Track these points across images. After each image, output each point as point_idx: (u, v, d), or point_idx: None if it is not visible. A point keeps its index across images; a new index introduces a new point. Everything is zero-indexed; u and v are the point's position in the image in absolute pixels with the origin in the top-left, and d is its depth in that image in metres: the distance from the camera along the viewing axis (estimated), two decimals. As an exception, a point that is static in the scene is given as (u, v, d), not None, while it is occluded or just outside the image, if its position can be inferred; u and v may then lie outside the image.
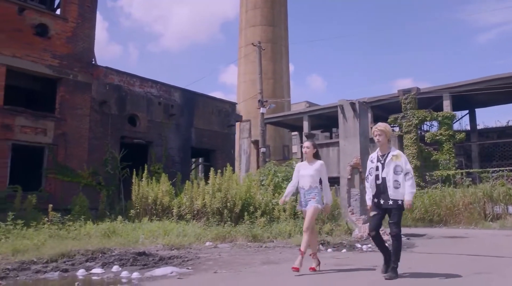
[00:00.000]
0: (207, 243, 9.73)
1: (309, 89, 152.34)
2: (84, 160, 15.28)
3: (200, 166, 28.03)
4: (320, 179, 6.32)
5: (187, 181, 13.44)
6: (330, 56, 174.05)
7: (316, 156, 6.51)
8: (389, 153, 5.70)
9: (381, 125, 5.81)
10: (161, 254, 7.88)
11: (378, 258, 7.87)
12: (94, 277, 6.09)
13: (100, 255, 7.78)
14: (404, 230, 14.57)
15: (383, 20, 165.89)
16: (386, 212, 5.62)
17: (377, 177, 5.66)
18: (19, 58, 13.98)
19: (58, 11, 17.37)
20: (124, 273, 6.14)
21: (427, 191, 19.46)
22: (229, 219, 11.76)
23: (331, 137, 38.50)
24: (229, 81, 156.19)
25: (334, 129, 38.76)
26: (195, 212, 12.31)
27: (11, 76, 14.01)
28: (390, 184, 5.52)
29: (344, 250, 9.13)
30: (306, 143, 6.56)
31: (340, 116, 14.59)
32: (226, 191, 12.23)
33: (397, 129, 27.72)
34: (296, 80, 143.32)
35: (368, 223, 13.00)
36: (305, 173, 6.35)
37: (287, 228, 11.21)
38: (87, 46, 15.87)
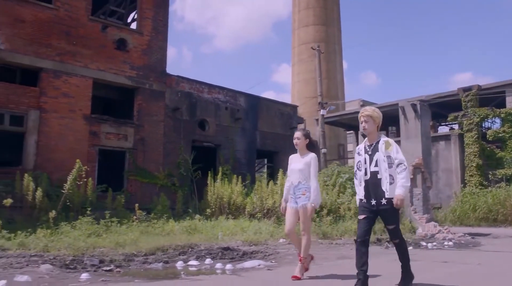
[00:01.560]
0: (281, 240, 10.43)
1: (363, 86, 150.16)
2: (160, 163, 16.59)
3: (261, 167, 28.95)
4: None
5: (257, 182, 14.35)
6: (384, 52, 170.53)
7: (310, 147, 5.75)
8: (378, 142, 4.79)
9: (368, 110, 4.88)
10: (243, 249, 8.68)
11: (446, 254, 8.41)
12: (191, 268, 6.83)
13: (190, 249, 8.64)
14: (467, 230, 14.89)
15: (441, 12, 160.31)
16: (378, 214, 4.67)
17: (365, 171, 4.76)
18: (103, 71, 15.48)
19: (132, 25, 18.94)
20: (218, 265, 6.90)
21: (490, 190, 19.30)
22: (297, 217, 12.48)
23: (387, 136, 38.07)
24: (282, 80, 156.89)
25: (389, 128, 38.38)
26: (265, 210, 13.17)
27: (95, 87, 15.53)
28: (382, 179, 4.63)
29: (410, 248, 9.63)
30: (297, 134, 5.75)
31: (401, 117, 14.99)
32: (294, 191, 12.94)
33: (456, 127, 27.29)
34: (349, 77, 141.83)
35: (431, 222, 13.41)
36: (295, 167, 5.64)
37: (353, 226, 11.82)
38: (160, 57, 17.18)
